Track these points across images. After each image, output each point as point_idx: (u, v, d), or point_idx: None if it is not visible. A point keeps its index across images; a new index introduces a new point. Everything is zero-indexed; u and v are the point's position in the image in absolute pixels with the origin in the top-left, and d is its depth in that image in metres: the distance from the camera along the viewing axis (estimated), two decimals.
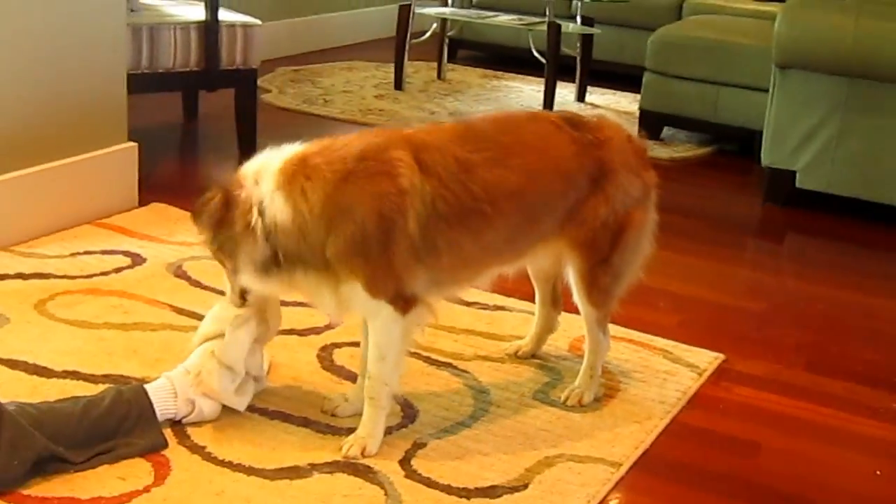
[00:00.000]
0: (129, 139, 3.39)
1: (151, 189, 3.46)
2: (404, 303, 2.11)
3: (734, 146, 4.82)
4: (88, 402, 2.06)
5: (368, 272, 2.05)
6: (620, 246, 2.33)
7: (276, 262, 2.05)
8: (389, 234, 2.04)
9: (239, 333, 2.18)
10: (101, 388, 2.18)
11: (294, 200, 2.02)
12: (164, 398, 2.13)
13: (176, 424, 2.14)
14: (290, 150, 2.11)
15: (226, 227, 2.06)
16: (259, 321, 2.22)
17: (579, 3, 5.40)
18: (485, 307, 2.88)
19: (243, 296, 2.16)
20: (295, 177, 2.03)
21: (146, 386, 2.14)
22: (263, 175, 2.06)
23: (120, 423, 2.05)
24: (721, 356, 2.70)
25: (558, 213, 2.28)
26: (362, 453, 2.12)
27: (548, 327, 2.63)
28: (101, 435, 2.02)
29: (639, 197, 2.35)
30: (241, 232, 2.04)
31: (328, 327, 2.66)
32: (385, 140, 2.12)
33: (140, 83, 3.60)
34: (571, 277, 2.38)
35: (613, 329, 2.73)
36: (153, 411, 2.10)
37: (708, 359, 2.67)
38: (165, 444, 2.08)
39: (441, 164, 2.10)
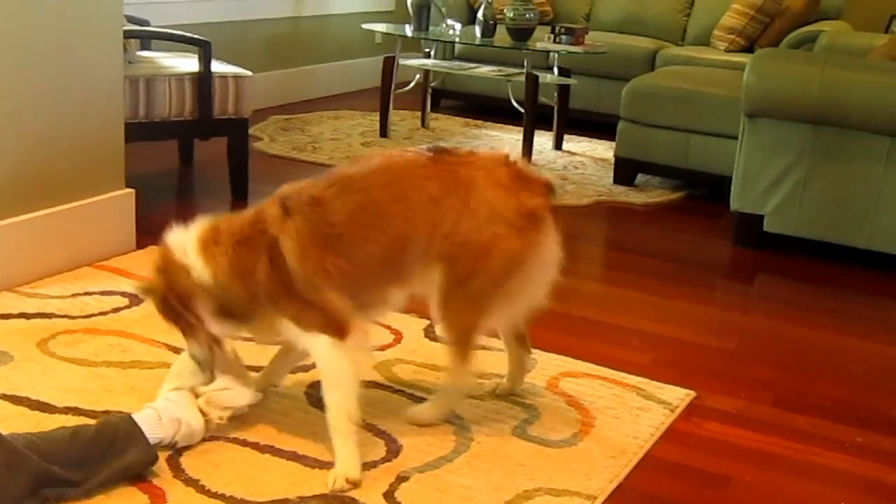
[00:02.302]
0: (127, 185, 3.42)
1: (148, 233, 3.32)
2: (337, 328, 2.18)
3: (705, 191, 4.86)
4: (78, 427, 2.11)
5: (291, 310, 2.20)
6: (481, 272, 2.25)
7: (224, 312, 2.25)
8: (279, 275, 2.19)
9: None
10: None
11: (210, 265, 2.22)
12: (150, 424, 2.17)
13: (171, 458, 2.17)
14: (203, 223, 2.29)
15: (174, 297, 2.24)
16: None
17: (556, 55, 5.47)
18: None
19: (211, 346, 2.29)
20: (207, 244, 2.24)
21: (132, 415, 2.18)
22: (187, 246, 2.25)
23: (111, 443, 2.08)
24: (692, 393, 2.72)
25: (419, 226, 2.26)
26: (347, 483, 2.15)
27: (520, 364, 2.63)
28: (93, 454, 2.05)
29: (511, 218, 2.25)
30: (187, 295, 2.23)
31: (315, 366, 2.65)
32: (269, 202, 2.28)
33: (137, 132, 3.63)
34: (433, 293, 2.32)
35: (587, 367, 2.79)
36: (141, 430, 2.13)
37: (679, 395, 2.70)
38: (156, 458, 2.13)
39: (297, 202, 2.23)
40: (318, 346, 2.20)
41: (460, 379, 2.41)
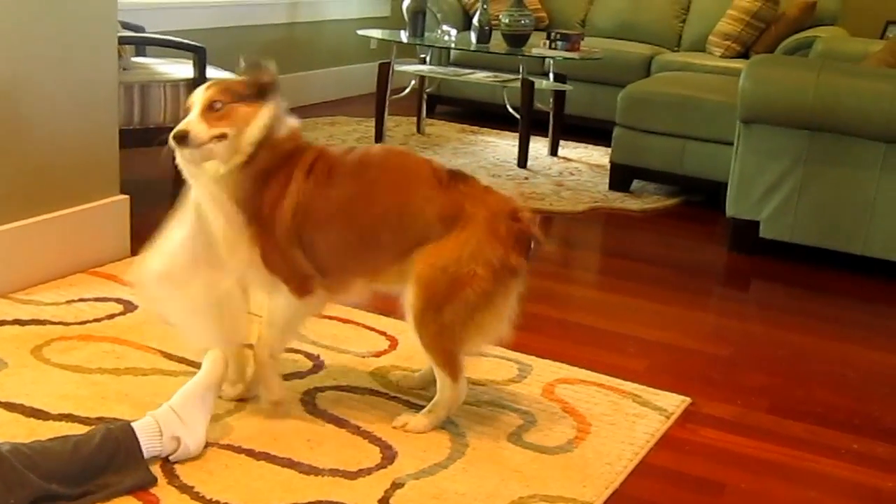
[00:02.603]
0: (122, 192, 3.42)
1: (143, 239, 3.23)
2: (299, 285, 2.35)
3: (700, 197, 4.86)
4: (79, 441, 2.10)
5: (262, 242, 2.32)
6: (457, 301, 2.30)
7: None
8: (275, 212, 2.31)
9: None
10: None
11: (259, 154, 2.31)
12: (150, 436, 2.16)
13: (165, 464, 2.17)
14: (294, 124, 2.39)
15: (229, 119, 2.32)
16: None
17: (552, 61, 5.49)
18: None
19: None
20: (276, 144, 2.32)
21: (133, 424, 2.17)
22: (275, 126, 2.34)
23: (110, 460, 2.08)
24: (688, 399, 2.72)
25: (402, 239, 2.33)
26: (273, 405, 2.43)
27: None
28: (92, 471, 2.05)
29: (493, 263, 2.30)
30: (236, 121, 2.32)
31: (311, 371, 2.70)
32: (311, 148, 2.39)
33: (132, 138, 3.63)
34: (407, 312, 2.37)
35: (583, 373, 2.78)
36: (140, 449, 2.13)
37: (675, 402, 2.70)
38: (154, 481, 2.11)
39: (321, 171, 2.34)
40: (277, 291, 2.37)
41: (452, 394, 2.44)
